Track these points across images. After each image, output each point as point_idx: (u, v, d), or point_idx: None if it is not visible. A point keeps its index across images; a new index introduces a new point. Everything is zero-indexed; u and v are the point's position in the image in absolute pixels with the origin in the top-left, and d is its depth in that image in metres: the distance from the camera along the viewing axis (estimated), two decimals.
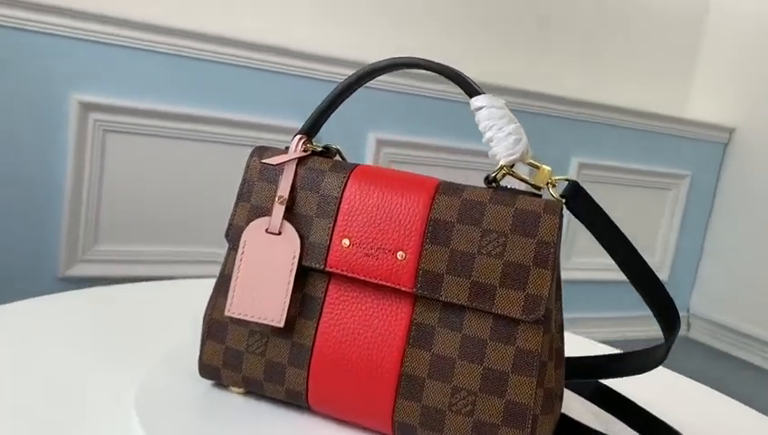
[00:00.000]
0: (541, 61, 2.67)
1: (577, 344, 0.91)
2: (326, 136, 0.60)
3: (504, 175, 0.55)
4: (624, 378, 0.65)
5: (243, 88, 1.98)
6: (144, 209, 1.92)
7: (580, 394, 0.70)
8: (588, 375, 0.66)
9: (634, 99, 2.84)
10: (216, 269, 2.33)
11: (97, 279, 1.84)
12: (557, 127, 2.61)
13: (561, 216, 0.52)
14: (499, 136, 0.53)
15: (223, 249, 2.23)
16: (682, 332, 3.12)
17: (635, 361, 0.62)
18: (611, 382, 0.69)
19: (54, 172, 1.79)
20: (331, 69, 2.05)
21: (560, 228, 0.51)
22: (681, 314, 3.13)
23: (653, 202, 2.96)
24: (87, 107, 1.79)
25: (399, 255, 0.53)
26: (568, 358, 0.63)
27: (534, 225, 0.51)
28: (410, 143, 2.32)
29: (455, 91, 2.26)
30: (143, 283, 0.95)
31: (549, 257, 0.51)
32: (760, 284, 2.88)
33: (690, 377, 0.88)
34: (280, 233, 0.56)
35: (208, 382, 0.61)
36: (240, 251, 0.56)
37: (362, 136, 2.21)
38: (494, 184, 0.55)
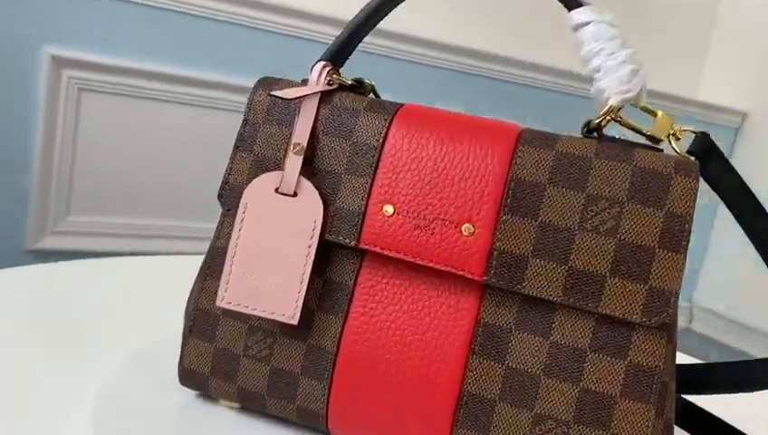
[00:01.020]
0: (553, 39, 2.51)
1: None
2: None
3: (608, 121, 0.39)
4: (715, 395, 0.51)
5: (234, 48, 1.80)
6: (122, 178, 1.75)
7: None
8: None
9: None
10: (204, 247, 2.16)
11: (68, 253, 1.67)
12: (562, 103, 2.46)
13: (698, 178, 0.36)
14: (609, 64, 0.38)
15: (211, 224, 2.07)
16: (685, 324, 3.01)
17: (733, 374, 0.48)
18: (697, 399, 0.54)
19: (23, 134, 1.61)
20: (333, 31, 1.87)
21: (696, 196, 0.36)
22: (684, 305, 3.03)
23: None
24: (60, 62, 1.61)
25: (465, 228, 0.38)
26: None
27: (663, 190, 0.36)
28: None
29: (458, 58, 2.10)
30: (117, 258, 0.79)
31: (682, 236, 0.36)
32: None
33: None
34: (295, 194, 0.40)
35: (191, 392, 0.46)
36: (239, 217, 0.40)
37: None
38: (596, 133, 0.40)
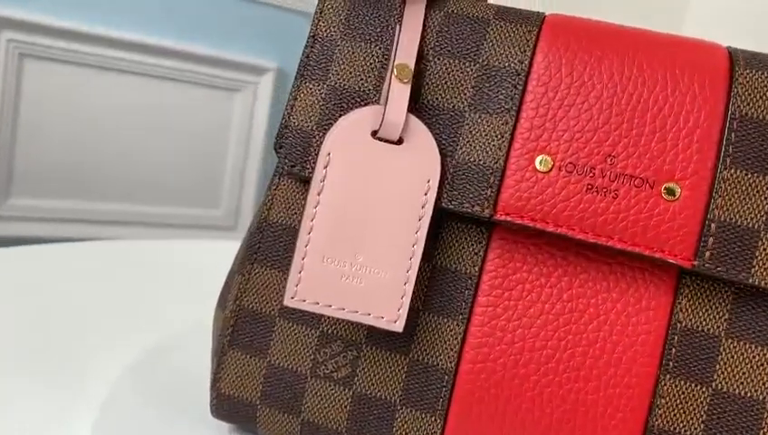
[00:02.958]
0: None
1: None
2: None
3: None
4: None
5: (199, 11, 1.63)
6: (68, 157, 1.56)
7: None
8: None
9: None
10: (164, 233, 1.97)
11: (8, 240, 1.48)
12: None
13: None
14: None
15: (168, 209, 1.88)
16: None
17: None
18: None
19: None
20: None
21: None
22: None
23: None
24: None
25: (667, 189, 0.26)
26: None
27: None
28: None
29: None
30: (63, 244, 0.63)
31: None
32: None
33: None
34: (401, 141, 0.27)
35: (223, 426, 0.33)
36: (318, 175, 0.27)
37: None
38: None
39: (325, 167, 0.27)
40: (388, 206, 0.27)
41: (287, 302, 0.27)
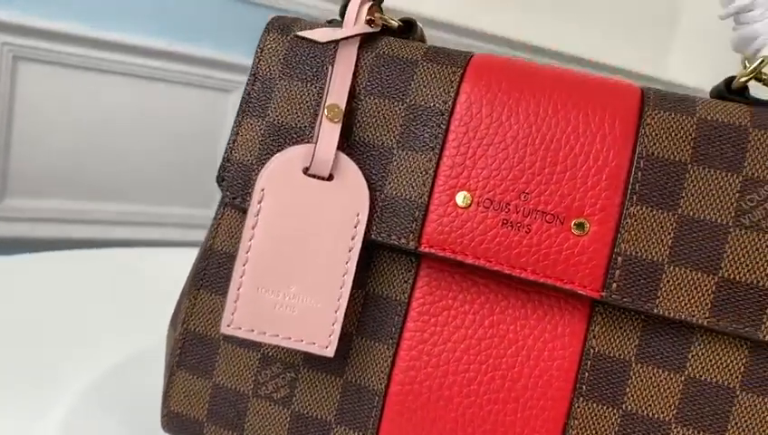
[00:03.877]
0: (524, 12, 2.43)
1: None
2: None
3: (750, 78, 0.29)
4: None
5: (192, 16, 1.65)
6: (63, 158, 1.58)
7: None
8: None
9: (612, 54, 2.64)
10: (159, 233, 1.98)
11: (4, 241, 1.50)
12: None
13: None
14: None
15: (166, 208, 1.90)
16: None
17: None
18: None
19: None
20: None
21: None
22: None
23: None
24: None
25: (576, 225, 0.27)
26: None
27: None
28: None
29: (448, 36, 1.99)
30: (58, 252, 0.65)
31: None
32: None
33: None
34: (331, 177, 0.29)
35: None
36: (253, 210, 0.29)
37: None
38: (740, 96, 0.29)
39: (259, 202, 0.29)
40: (320, 238, 0.29)
41: (224, 329, 0.29)
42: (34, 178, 1.56)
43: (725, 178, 0.27)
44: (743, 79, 0.29)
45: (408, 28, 0.32)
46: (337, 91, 0.29)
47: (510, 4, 2.33)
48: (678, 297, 0.27)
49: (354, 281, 0.30)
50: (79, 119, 1.58)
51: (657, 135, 0.27)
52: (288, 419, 0.31)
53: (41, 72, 1.51)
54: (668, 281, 0.27)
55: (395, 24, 0.32)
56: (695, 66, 2.94)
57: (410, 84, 0.30)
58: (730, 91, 0.29)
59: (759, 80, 0.30)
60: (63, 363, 0.41)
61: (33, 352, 0.42)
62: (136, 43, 1.58)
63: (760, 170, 0.27)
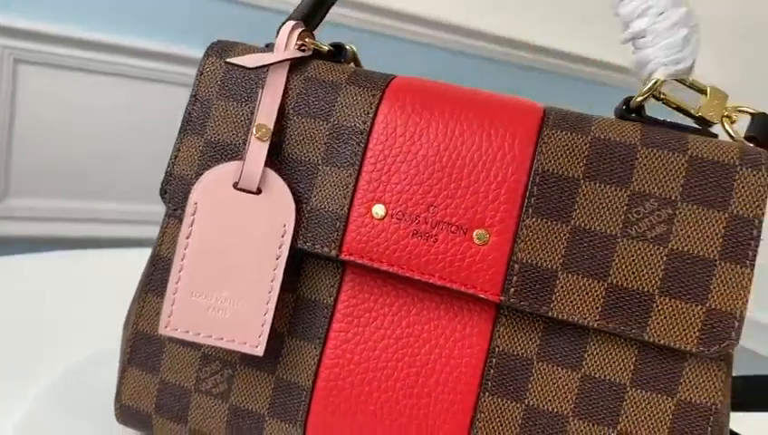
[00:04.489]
0: (525, 12, 2.44)
1: None
2: None
3: (646, 98, 0.32)
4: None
5: (191, 18, 1.68)
6: (65, 158, 1.62)
7: None
8: None
9: (612, 54, 2.64)
10: (155, 232, 2.02)
11: (7, 239, 1.54)
12: (527, 78, 2.40)
13: None
14: (658, 28, 0.30)
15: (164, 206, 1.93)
16: None
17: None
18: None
19: None
20: None
21: (766, 194, 0.29)
22: None
23: None
24: None
25: (478, 235, 0.30)
26: None
27: (726, 187, 0.29)
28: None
29: (443, 35, 2.01)
30: (49, 254, 0.68)
31: (749, 245, 0.29)
32: None
33: None
34: (259, 191, 0.31)
35: (132, 433, 0.37)
36: (187, 221, 0.32)
37: None
38: (636, 114, 0.32)
39: (193, 214, 0.31)
40: (249, 247, 0.31)
41: (161, 330, 0.31)
42: (36, 178, 1.60)
43: (614, 193, 0.29)
44: (638, 99, 0.31)
45: (339, 52, 0.35)
46: (266, 112, 0.32)
47: (511, 4, 2.34)
48: (571, 301, 0.29)
49: (285, 286, 0.33)
50: (79, 120, 1.61)
51: (552, 153, 0.30)
52: (226, 412, 0.33)
53: (41, 75, 1.55)
54: (562, 286, 0.29)
55: (325, 48, 0.34)
56: (703, 65, 2.94)
57: (334, 106, 0.32)
58: (629, 110, 0.32)
59: (657, 99, 0.32)
60: (33, 362, 0.44)
61: (7, 350, 0.45)
62: (133, 46, 1.62)
63: (646, 185, 0.29)
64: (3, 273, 0.60)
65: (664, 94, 0.32)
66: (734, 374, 0.32)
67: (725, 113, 0.32)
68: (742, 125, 0.33)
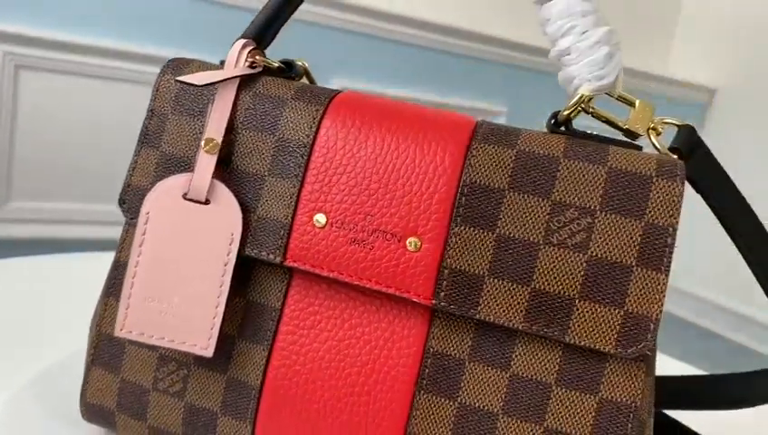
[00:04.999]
0: (522, 12, 2.45)
1: None
2: None
3: (578, 112, 0.34)
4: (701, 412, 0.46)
5: (189, 23, 1.70)
6: (66, 161, 1.65)
7: None
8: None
9: None
10: None
11: (9, 242, 1.57)
12: (529, 80, 2.41)
13: (683, 182, 0.31)
14: (581, 46, 0.31)
15: None
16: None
17: (730, 388, 0.43)
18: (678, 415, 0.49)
19: None
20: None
21: (680, 204, 0.31)
22: None
23: None
24: None
25: (411, 243, 0.32)
26: None
27: (642, 197, 0.30)
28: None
29: (431, 35, 2.03)
30: (45, 257, 0.71)
31: (664, 252, 0.30)
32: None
33: None
34: (208, 202, 0.33)
35: (98, 430, 0.39)
36: (140, 230, 0.34)
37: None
38: (564, 127, 0.34)
39: (145, 223, 0.33)
40: (198, 254, 0.33)
41: (117, 332, 0.33)
42: (38, 180, 1.63)
43: (537, 203, 0.31)
44: (565, 113, 0.33)
45: (289, 68, 0.37)
46: (215, 127, 0.34)
47: (512, 4, 2.35)
48: (497, 305, 0.31)
49: (236, 291, 0.34)
50: (79, 123, 1.64)
51: (479, 165, 0.31)
52: (182, 409, 0.35)
53: (42, 80, 1.58)
54: (489, 291, 0.31)
55: (275, 65, 0.36)
56: (695, 64, 2.94)
57: (280, 120, 0.34)
58: (557, 123, 0.33)
59: (587, 112, 0.34)
60: (5, 362, 0.46)
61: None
62: (132, 51, 1.64)
63: (567, 195, 0.31)
64: (2, 273, 0.62)
65: (593, 108, 0.34)
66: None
67: (651, 125, 0.34)
68: (670, 137, 0.35)
